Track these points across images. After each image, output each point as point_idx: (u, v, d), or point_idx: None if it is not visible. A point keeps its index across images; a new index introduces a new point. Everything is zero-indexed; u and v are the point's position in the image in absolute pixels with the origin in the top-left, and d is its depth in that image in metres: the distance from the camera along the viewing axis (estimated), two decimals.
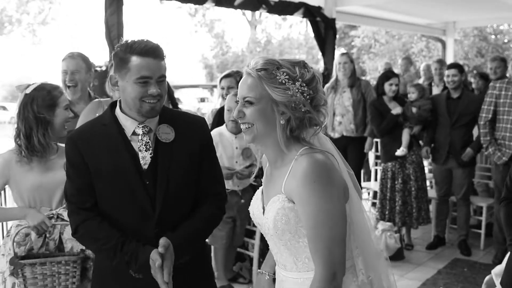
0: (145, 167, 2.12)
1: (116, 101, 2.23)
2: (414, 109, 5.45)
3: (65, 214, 2.80)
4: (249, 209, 2.02)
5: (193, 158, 2.19)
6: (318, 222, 1.70)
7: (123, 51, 2.09)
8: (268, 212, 1.83)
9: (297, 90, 1.77)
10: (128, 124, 2.15)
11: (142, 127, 2.15)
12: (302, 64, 1.82)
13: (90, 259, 2.75)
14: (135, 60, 2.06)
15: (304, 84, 1.78)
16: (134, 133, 2.15)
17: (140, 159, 2.13)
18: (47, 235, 2.81)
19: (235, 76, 4.74)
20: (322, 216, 1.69)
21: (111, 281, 2.20)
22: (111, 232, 2.09)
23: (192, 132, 2.23)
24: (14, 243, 2.71)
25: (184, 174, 2.16)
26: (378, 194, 5.76)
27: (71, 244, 2.80)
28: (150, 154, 2.14)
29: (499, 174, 5.09)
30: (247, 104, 1.81)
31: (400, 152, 5.41)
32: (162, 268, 1.99)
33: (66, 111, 2.91)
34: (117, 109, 2.20)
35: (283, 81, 1.77)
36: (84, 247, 2.69)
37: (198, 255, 2.30)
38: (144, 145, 2.14)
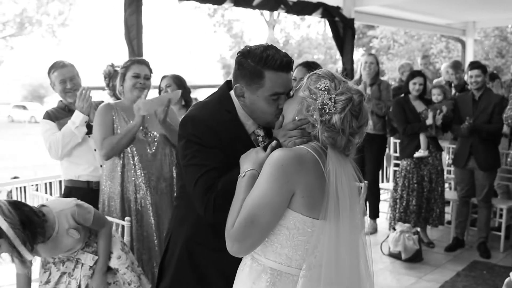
0: None
1: (227, 81, 2.21)
2: (439, 121, 5.41)
3: (82, 257, 2.88)
4: None
5: None
6: (253, 196, 1.75)
7: (256, 64, 1.98)
8: None
9: (321, 99, 1.78)
10: (250, 123, 2.15)
11: (262, 128, 2.18)
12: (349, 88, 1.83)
13: None
14: (270, 75, 1.97)
15: (333, 100, 1.79)
16: (253, 133, 2.16)
17: None
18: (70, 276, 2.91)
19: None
20: (257, 193, 1.74)
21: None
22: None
23: None
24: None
25: None
26: (391, 193, 5.73)
27: (86, 281, 2.87)
28: None
29: None
30: None
31: (418, 153, 5.43)
32: None
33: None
34: (236, 103, 2.14)
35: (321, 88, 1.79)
36: None
37: None
38: None
